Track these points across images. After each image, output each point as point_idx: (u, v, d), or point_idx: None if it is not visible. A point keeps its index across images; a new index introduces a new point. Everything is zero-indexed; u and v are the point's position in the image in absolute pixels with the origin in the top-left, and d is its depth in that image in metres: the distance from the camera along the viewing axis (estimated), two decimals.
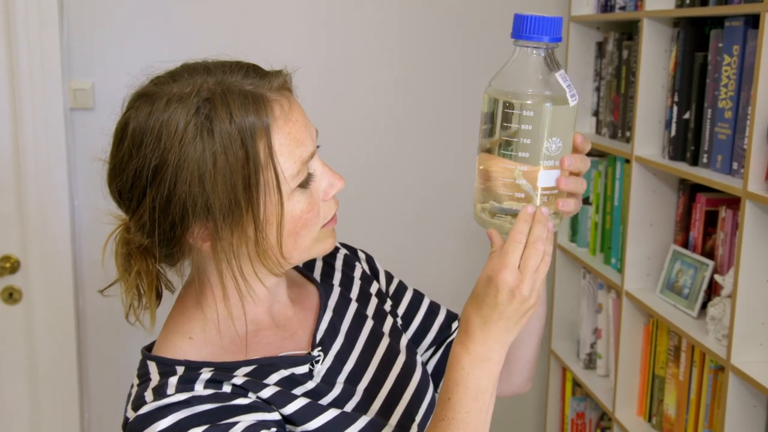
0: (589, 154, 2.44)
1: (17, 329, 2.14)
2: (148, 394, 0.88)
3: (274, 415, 0.89)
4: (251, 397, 0.89)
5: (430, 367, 1.15)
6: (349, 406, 0.97)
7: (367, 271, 1.15)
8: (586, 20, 2.16)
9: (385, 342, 1.06)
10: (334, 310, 1.05)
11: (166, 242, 0.89)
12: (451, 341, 1.16)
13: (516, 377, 1.12)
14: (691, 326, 1.69)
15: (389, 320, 1.11)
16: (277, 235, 0.89)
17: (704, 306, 1.72)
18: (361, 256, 1.17)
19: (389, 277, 1.17)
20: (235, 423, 0.85)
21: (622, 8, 2.01)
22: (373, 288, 1.13)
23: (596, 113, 2.22)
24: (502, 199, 0.86)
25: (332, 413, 0.93)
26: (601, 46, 2.18)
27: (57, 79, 2.05)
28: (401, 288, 1.17)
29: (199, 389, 0.87)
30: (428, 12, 2.21)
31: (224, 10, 2.13)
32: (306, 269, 1.10)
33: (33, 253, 2.11)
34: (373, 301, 1.11)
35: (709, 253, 1.76)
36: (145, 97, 0.89)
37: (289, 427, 0.91)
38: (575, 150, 0.89)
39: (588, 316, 2.21)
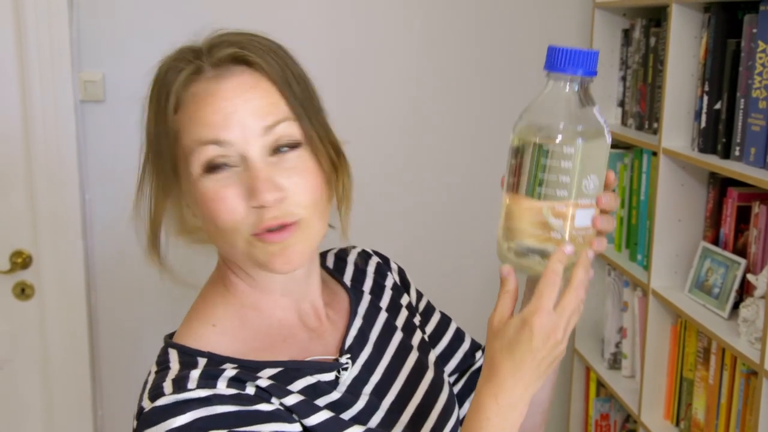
0: (614, 146, 2.35)
1: (30, 325, 2.11)
2: (167, 385, 0.82)
3: (295, 427, 0.84)
4: (274, 403, 0.84)
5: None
6: (374, 421, 0.92)
7: (398, 283, 1.09)
8: (612, 6, 2.08)
9: (414, 356, 1.00)
10: (364, 318, 0.99)
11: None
12: (475, 370, 1.11)
13: (527, 423, 1.06)
14: (721, 328, 1.61)
15: (418, 334, 1.05)
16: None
17: (736, 307, 1.64)
18: (393, 266, 1.11)
19: (419, 294, 1.12)
20: None
21: None
22: (404, 300, 1.08)
23: (622, 103, 2.13)
24: (531, 238, 0.81)
25: (356, 429, 0.87)
26: (627, 34, 2.10)
27: (67, 70, 2.01)
28: (430, 307, 1.12)
29: (222, 387, 0.82)
30: (448, 6, 2.14)
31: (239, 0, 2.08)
32: (336, 272, 1.05)
33: (45, 248, 2.08)
34: (404, 313, 1.05)
35: (741, 251, 1.67)
36: None
37: None
38: (606, 187, 0.84)
39: (613, 314, 2.13)
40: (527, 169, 0.79)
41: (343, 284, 1.03)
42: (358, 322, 0.98)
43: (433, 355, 1.05)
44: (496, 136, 2.19)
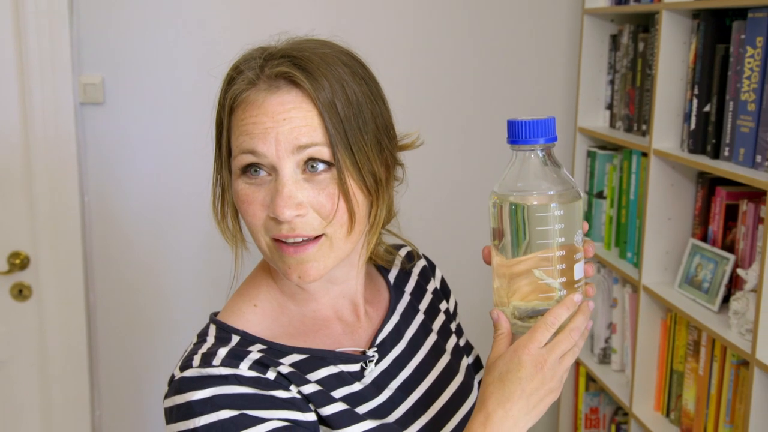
0: (603, 147, 2.39)
1: (27, 326, 2.12)
2: (197, 359, 0.88)
3: (309, 416, 0.88)
4: (292, 391, 0.88)
5: None
6: (395, 415, 0.95)
7: (439, 289, 1.14)
8: (600, 12, 2.15)
9: (445, 358, 1.05)
10: (402, 316, 1.04)
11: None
12: None
13: None
14: (712, 321, 1.68)
15: (453, 339, 1.10)
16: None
17: (725, 300, 1.71)
18: (437, 274, 1.16)
19: (456, 309, 1.17)
20: (265, 420, 0.84)
21: (637, 0, 1.99)
22: (443, 306, 1.12)
23: (610, 106, 2.21)
24: (536, 300, 0.85)
25: (368, 424, 0.91)
26: (615, 39, 2.17)
27: (67, 73, 2.03)
28: (460, 329, 1.16)
29: (243, 369, 0.87)
30: (440, 14, 2.19)
31: (234, 4, 2.11)
32: (384, 268, 1.09)
33: (43, 249, 2.09)
34: (441, 317, 1.10)
35: (729, 247, 1.75)
36: None
37: (324, 428, 0.89)
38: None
39: (603, 310, 2.19)
40: (517, 236, 0.84)
41: (387, 282, 1.07)
42: (394, 319, 1.02)
43: (465, 361, 1.09)
44: (488, 138, 2.25)
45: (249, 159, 0.87)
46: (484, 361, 1.18)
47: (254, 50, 0.92)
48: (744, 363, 1.64)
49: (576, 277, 0.85)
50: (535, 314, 0.85)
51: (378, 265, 1.08)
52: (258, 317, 0.95)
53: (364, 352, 0.97)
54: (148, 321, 2.23)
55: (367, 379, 0.95)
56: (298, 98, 0.86)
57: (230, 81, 0.90)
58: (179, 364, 0.90)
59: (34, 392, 2.16)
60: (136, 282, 2.21)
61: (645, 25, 2.03)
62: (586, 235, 0.88)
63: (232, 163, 0.89)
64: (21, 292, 2.11)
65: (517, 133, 0.84)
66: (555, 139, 0.85)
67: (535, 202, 0.83)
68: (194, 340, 0.94)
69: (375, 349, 0.97)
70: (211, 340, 0.92)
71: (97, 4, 2.05)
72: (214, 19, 2.11)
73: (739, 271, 1.62)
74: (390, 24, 2.18)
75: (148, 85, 2.11)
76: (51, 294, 2.11)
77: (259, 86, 0.88)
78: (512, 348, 0.83)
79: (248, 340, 0.92)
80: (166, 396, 0.89)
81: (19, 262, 2.09)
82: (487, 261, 0.89)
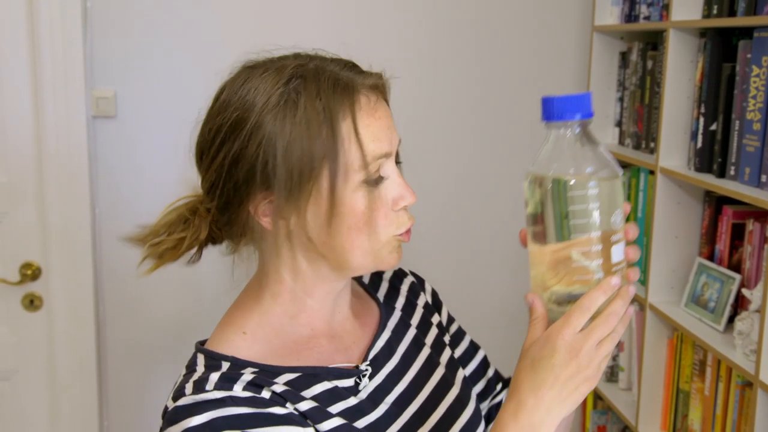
0: None
1: (38, 336, 2.15)
2: (189, 387, 0.88)
3: (309, 431, 0.88)
4: (288, 408, 0.88)
5: None
6: (392, 430, 0.95)
7: (430, 302, 1.14)
8: (610, 30, 2.15)
9: (440, 372, 1.05)
10: (393, 331, 1.04)
11: (227, 204, 0.92)
12: (494, 403, 1.15)
13: None
14: (717, 340, 1.67)
15: (447, 352, 1.09)
16: (327, 219, 0.89)
17: (731, 320, 1.70)
18: (427, 287, 1.16)
19: (450, 318, 1.17)
20: None
21: (647, 18, 1.99)
22: (435, 319, 1.12)
23: (619, 123, 2.20)
24: (573, 284, 0.80)
25: None
26: (624, 56, 2.17)
27: (80, 87, 2.06)
28: (460, 332, 1.16)
29: (238, 390, 0.87)
30: (450, 31, 2.20)
31: (245, 19, 2.13)
32: (371, 288, 1.09)
33: (54, 260, 2.12)
34: (434, 331, 1.10)
35: (736, 267, 1.74)
36: (247, 68, 0.93)
37: None
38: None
39: None
40: (552, 217, 0.80)
41: (376, 299, 1.07)
42: (386, 335, 1.03)
43: (461, 373, 1.09)
44: (498, 154, 2.26)
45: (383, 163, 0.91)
46: (492, 360, 1.19)
47: (333, 60, 0.94)
48: (749, 384, 1.62)
49: (614, 260, 0.79)
50: (572, 299, 0.80)
51: (364, 285, 1.09)
52: (247, 343, 0.94)
53: (357, 367, 0.97)
54: (158, 333, 2.25)
55: (363, 393, 0.95)
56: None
57: (342, 94, 0.89)
58: (171, 395, 0.89)
59: (43, 402, 2.18)
60: (146, 294, 2.23)
61: (654, 42, 2.03)
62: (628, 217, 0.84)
63: (350, 176, 0.88)
64: (32, 303, 2.14)
65: (552, 110, 0.79)
66: (591, 114, 0.80)
67: (572, 181, 0.78)
68: (183, 371, 0.93)
69: (368, 363, 0.98)
70: (200, 369, 0.91)
71: (110, 19, 2.08)
72: (227, 35, 2.13)
73: (744, 291, 1.61)
74: (398, 36, 2.19)
75: (160, 99, 2.14)
76: (61, 305, 2.14)
77: (369, 96, 0.92)
78: (546, 333, 0.79)
79: (238, 364, 0.91)
80: (161, 430, 0.88)
81: (30, 272, 2.11)
82: (525, 243, 0.86)
